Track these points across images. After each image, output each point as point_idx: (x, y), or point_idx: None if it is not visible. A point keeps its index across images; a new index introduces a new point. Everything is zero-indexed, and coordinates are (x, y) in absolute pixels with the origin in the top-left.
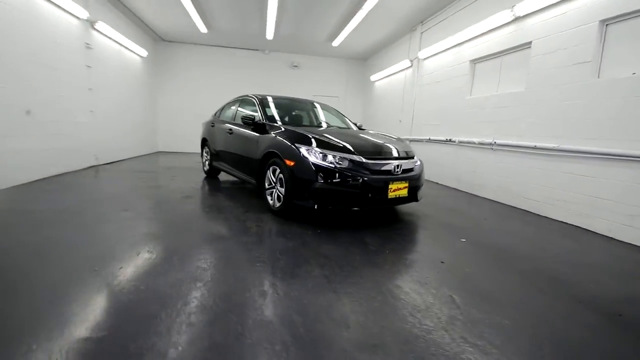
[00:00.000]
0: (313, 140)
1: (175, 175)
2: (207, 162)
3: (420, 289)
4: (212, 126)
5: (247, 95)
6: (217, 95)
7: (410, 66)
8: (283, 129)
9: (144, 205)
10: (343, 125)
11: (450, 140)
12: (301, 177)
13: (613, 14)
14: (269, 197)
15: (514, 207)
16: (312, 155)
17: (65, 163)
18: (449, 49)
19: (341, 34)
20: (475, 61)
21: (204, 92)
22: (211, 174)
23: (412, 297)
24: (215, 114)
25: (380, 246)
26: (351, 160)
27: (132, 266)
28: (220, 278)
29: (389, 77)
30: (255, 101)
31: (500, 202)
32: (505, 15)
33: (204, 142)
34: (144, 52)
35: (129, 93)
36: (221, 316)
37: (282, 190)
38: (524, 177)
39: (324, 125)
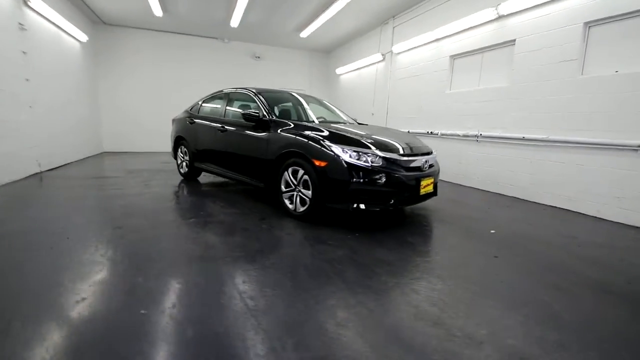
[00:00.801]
0: (345, 138)
1: (147, 181)
2: (185, 163)
3: (525, 279)
4: (191, 123)
5: (238, 89)
6: (171, 87)
7: (382, 60)
8: (293, 125)
9: (133, 223)
10: (346, 120)
11: (431, 132)
12: (335, 178)
13: (596, 17)
14: (287, 201)
15: (502, 194)
16: (346, 154)
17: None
18: (427, 44)
19: (312, 24)
20: (455, 57)
21: (154, 83)
22: (191, 176)
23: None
24: (191, 110)
25: (425, 245)
26: (385, 158)
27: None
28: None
29: (357, 71)
30: (254, 96)
31: (487, 191)
32: (489, 14)
33: (179, 141)
34: (83, 37)
35: (70, 84)
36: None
37: (308, 193)
38: (511, 166)
39: (328, 120)
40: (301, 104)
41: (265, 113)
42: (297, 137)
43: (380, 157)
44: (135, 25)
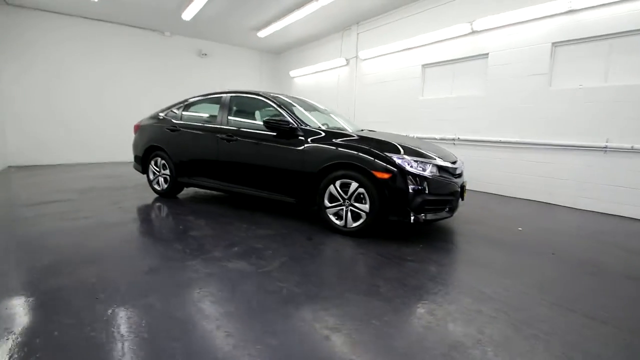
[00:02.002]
0: (400, 147)
1: (117, 202)
2: (162, 179)
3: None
4: (173, 131)
5: (243, 93)
6: (101, 85)
7: (346, 65)
8: (325, 134)
9: (138, 266)
10: (356, 129)
11: (406, 136)
12: (400, 189)
13: (561, 39)
14: (333, 217)
15: (483, 191)
16: (408, 164)
17: None
18: (397, 52)
19: (274, 25)
20: (426, 65)
21: (78, 80)
22: (171, 193)
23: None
24: (165, 115)
25: (489, 253)
26: (440, 167)
27: None
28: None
29: (316, 74)
30: (271, 101)
31: (468, 189)
32: (464, 28)
33: (151, 152)
34: None
35: None
36: None
37: (364, 207)
38: (488, 166)
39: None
40: (320, 112)
41: (292, 121)
42: (345, 149)
43: (436, 165)
44: (46, 8)
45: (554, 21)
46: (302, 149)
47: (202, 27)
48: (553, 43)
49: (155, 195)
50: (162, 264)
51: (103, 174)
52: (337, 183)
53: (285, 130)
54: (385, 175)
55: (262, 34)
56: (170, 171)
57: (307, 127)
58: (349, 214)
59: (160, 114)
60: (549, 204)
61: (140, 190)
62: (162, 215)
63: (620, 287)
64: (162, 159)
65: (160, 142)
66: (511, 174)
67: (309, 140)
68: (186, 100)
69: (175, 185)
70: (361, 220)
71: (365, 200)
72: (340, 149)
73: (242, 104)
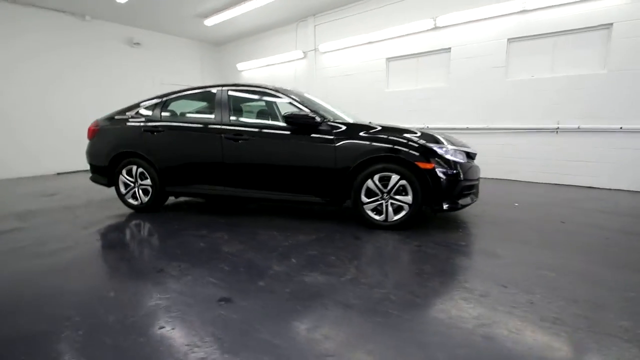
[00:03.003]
0: (434, 136)
1: (86, 225)
2: (141, 191)
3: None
4: (153, 133)
5: (245, 86)
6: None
7: (304, 57)
8: (347, 127)
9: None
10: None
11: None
12: (443, 178)
13: (515, 35)
14: (371, 213)
15: None
16: (447, 153)
17: None
18: (360, 45)
19: (225, 13)
20: (391, 59)
21: None
22: (153, 207)
23: None
24: (135, 114)
25: (512, 229)
26: (467, 153)
27: None
28: None
29: (268, 68)
30: (285, 95)
31: None
32: (427, 24)
33: (121, 160)
34: None
35: None
36: None
37: (406, 198)
38: None
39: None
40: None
41: (316, 115)
42: (380, 142)
43: (465, 152)
44: None
45: (509, 20)
46: (334, 144)
47: (133, 12)
48: (508, 39)
49: (130, 211)
50: (231, 294)
51: (29, 190)
52: (376, 177)
53: (311, 126)
54: (429, 166)
55: (209, 22)
56: (153, 180)
57: (332, 121)
58: (389, 208)
59: (128, 113)
60: (516, 180)
61: (108, 206)
62: (164, 235)
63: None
64: (139, 167)
65: (136, 147)
66: (480, 157)
67: (336, 134)
68: (163, 97)
69: (159, 196)
70: (403, 213)
71: (406, 192)
72: (375, 142)
73: (245, 98)
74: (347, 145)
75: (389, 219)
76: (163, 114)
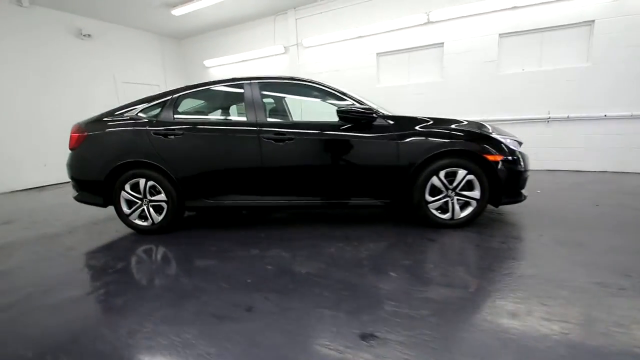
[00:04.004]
0: (496, 128)
1: (88, 263)
2: (156, 207)
3: None
4: (168, 137)
5: (273, 79)
6: None
7: (285, 53)
8: (395, 120)
9: None
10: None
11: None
12: (513, 170)
13: (506, 31)
14: (436, 212)
15: None
16: (512, 144)
17: None
18: (349, 40)
19: (198, 1)
20: (381, 54)
21: None
22: (169, 227)
23: None
24: (136, 115)
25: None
26: (519, 143)
27: None
28: None
29: (243, 64)
30: (326, 88)
31: None
32: (420, 18)
33: (123, 172)
34: None
35: None
36: None
37: (474, 194)
38: None
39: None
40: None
41: (372, 109)
42: (446, 136)
43: (517, 142)
44: None
45: (501, 15)
46: (396, 140)
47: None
48: (500, 34)
49: (132, 233)
50: (373, 328)
51: None
52: (442, 173)
53: (368, 121)
54: (498, 158)
55: (178, 12)
56: (169, 195)
57: (387, 115)
58: (456, 205)
59: (127, 115)
60: None
61: (100, 230)
62: (209, 260)
63: None
64: (149, 179)
65: (145, 155)
66: None
67: (395, 129)
68: (172, 93)
69: (178, 213)
70: (470, 209)
71: (472, 187)
72: (439, 136)
73: (280, 92)
74: (411, 141)
75: (455, 217)
76: (176, 114)
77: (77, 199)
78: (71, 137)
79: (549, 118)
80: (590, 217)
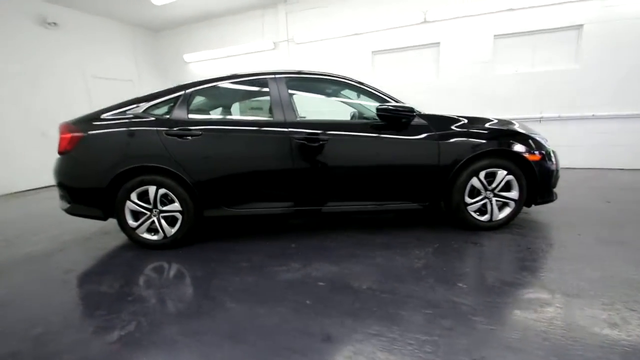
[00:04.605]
0: (525, 126)
1: (99, 303)
2: (168, 218)
3: None
4: (183, 138)
5: (301, 75)
6: None
7: (274, 48)
8: (429, 118)
9: None
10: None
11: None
12: (549, 169)
13: (500, 32)
14: (475, 214)
15: None
16: (545, 142)
17: None
18: (344, 37)
19: None
20: (376, 52)
21: None
22: (183, 241)
23: None
24: (141, 113)
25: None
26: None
27: None
28: None
29: (228, 59)
30: (359, 84)
31: None
32: (417, 17)
33: (128, 179)
34: None
35: None
36: None
37: (512, 194)
38: None
39: None
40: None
41: (411, 107)
42: (486, 135)
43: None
44: None
45: (496, 17)
46: (436, 140)
47: None
48: (495, 35)
49: (137, 250)
50: (482, 354)
51: None
52: (482, 174)
53: (407, 119)
54: (537, 157)
55: (159, 0)
56: (184, 204)
57: (422, 114)
58: (495, 206)
59: (130, 112)
60: None
61: (95, 246)
62: (247, 277)
63: None
64: (162, 186)
65: (158, 158)
66: None
67: (434, 128)
68: (185, 89)
69: (195, 224)
70: (509, 210)
71: (509, 188)
72: (478, 136)
73: (308, 90)
74: (452, 141)
75: (494, 219)
76: (192, 113)
77: (68, 211)
78: (61, 138)
79: (541, 118)
80: (611, 214)
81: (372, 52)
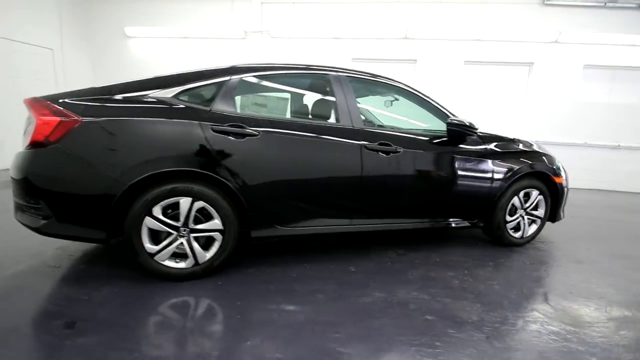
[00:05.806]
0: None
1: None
2: (201, 240)
3: None
4: (236, 136)
5: (363, 75)
6: None
7: (244, 38)
8: (479, 136)
9: None
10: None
11: None
12: (564, 190)
13: (469, 59)
14: (511, 232)
15: None
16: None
17: None
18: (325, 38)
19: None
20: (356, 60)
21: None
22: (217, 269)
23: None
24: (173, 98)
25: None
26: None
27: None
28: None
29: (184, 41)
30: (426, 98)
31: None
32: (399, 32)
33: (153, 188)
34: None
35: None
36: None
37: (539, 212)
38: None
39: None
40: None
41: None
42: (526, 157)
43: None
44: None
45: (467, 44)
46: (490, 158)
47: None
48: (465, 61)
49: (151, 281)
50: None
51: None
52: (522, 193)
53: (470, 136)
54: (560, 180)
55: None
56: (226, 221)
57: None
58: (526, 223)
59: (152, 96)
60: None
61: (96, 275)
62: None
63: None
64: (199, 197)
65: (201, 160)
66: None
67: (487, 146)
68: (229, 73)
69: (236, 247)
70: (535, 227)
71: (538, 206)
72: (521, 157)
73: (370, 92)
74: (503, 160)
75: (524, 235)
76: (243, 106)
77: (43, 229)
78: (39, 124)
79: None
80: (605, 231)
81: (352, 58)
